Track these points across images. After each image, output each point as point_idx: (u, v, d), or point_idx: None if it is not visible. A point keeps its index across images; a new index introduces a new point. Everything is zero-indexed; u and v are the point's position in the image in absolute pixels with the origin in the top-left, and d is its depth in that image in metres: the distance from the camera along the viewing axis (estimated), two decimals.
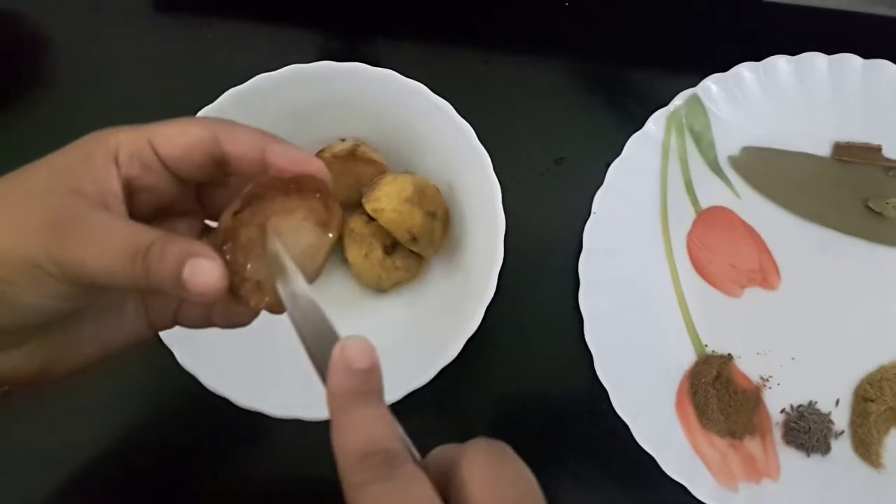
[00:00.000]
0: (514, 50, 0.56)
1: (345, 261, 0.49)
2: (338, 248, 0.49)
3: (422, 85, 0.45)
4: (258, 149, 0.28)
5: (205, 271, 0.25)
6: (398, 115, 0.47)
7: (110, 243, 0.25)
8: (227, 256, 0.27)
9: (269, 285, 0.28)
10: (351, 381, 0.23)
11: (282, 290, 0.27)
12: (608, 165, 0.51)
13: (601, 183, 0.51)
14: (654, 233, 0.51)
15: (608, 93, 0.55)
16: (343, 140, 0.49)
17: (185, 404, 0.49)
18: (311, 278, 0.28)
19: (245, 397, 0.42)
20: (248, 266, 0.27)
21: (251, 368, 0.44)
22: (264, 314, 0.29)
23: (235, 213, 0.27)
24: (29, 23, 0.59)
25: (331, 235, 0.28)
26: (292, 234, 0.28)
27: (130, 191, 0.28)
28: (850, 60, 0.52)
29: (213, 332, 0.44)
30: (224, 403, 0.42)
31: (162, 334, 0.42)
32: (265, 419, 0.42)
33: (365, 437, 0.23)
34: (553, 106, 0.55)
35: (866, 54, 0.52)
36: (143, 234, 0.26)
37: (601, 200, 0.50)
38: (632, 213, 0.51)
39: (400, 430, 0.24)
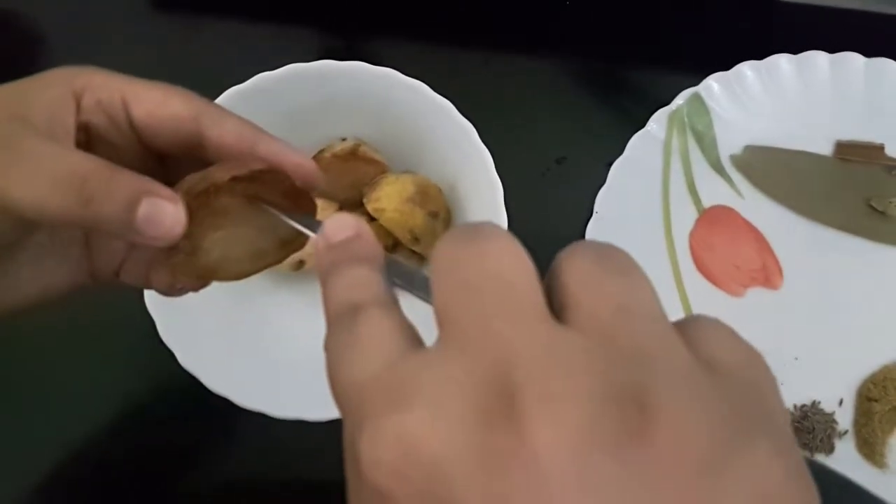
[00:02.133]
0: (515, 49, 0.56)
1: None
2: None
3: (423, 84, 0.45)
4: (247, 142, 0.26)
5: (166, 213, 0.23)
6: (399, 115, 0.47)
7: (42, 170, 0.23)
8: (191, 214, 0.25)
9: (202, 258, 0.27)
10: (329, 256, 0.21)
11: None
12: (610, 165, 0.51)
13: (603, 182, 0.51)
14: (657, 232, 0.51)
15: (610, 92, 0.55)
16: (344, 140, 0.48)
17: (186, 404, 0.48)
18: (236, 277, 0.28)
19: (246, 397, 0.42)
20: (200, 230, 0.26)
21: (252, 369, 0.44)
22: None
23: (234, 178, 0.25)
24: (23, 21, 0.58)
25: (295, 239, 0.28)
26: (259, 232, 0.27)
27: (89, 138, 0.26)
28: (853, 59, 0.52)
29: (215, 334, 0.44)
30: (225, 403, 0.42)
31: (164, 336, 0.42)
32: (266, 419, 0.42)
33: (334, 304, 0.19)
34: (555, 105, 0.55)
35: (869, 53, 0.52)
36: (83, 160, 0.23)
37: (603, 200, 0.50)
38: (634, 213, 0.51)
39: (398, 269, 0.21)
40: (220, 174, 0.25)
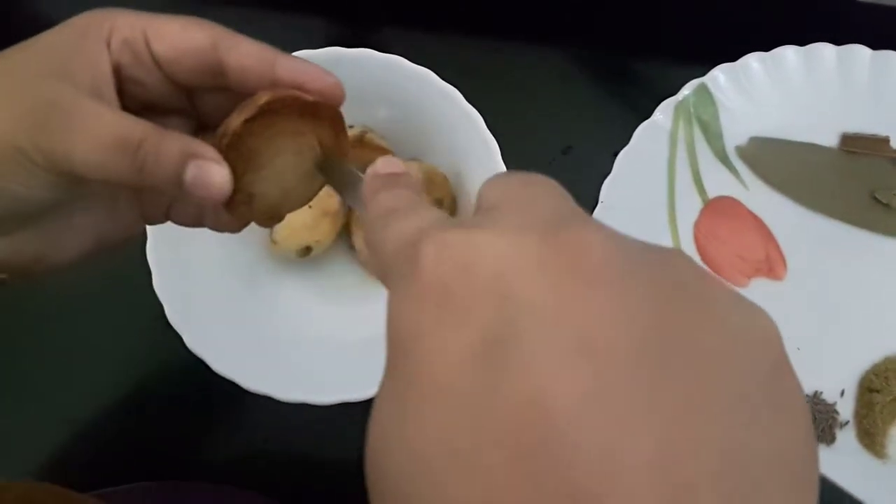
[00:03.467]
0: (523, 38, 0.56)
1: (351, 247, 0.49)
2: (344, 235, 0.50)
3: (430, 72, 0.45)
4: (266, 62, 0.26)
5: (212, 175, 0.24)
6: (406, 102, 0.47)
7: (98, 135, 0.24)
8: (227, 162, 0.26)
9: (260, 202, 0.27)
10: (376, 181, 0.23)
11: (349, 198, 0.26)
12: (616, 155, 0.51)
13: (608, 172, 0.51)
14: (662, 222, 0.51)
15: (616, 82, 0.55)
16: (351, 127, 0.49)
17: (192, 387, 0.49)
18: (303, 203, 0.28)
19: (252, 380, 0.42)
20: (245, 177, 0.26)
21: (259, 353, 0.44)
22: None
23: (247, 121, 0.25)
24: (30, 5, 0.58)
25: (332, 155, 0.28)
26: (298, 156, 0.27)
27: (119, 79, 0.26)
28: (859, 51, 0.52)
29: (222, 318, 0.45)
30: (232, 386, 0.42)
31: (172, 319, 0.42)
32: (272, 402, 0.42)
33: (378, 208, 0.21)
34: (561, 95, 0.55)
35: (875, 45, 0.52)
36: (135, 126, 0.24)
37: (609, 189, 0.50)
38: (639, 203, 0.51)
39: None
40: (234, 122, 0.26)
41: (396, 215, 0.19)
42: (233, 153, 0.26)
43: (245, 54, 0.26)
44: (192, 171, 0.24)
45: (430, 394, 0.15)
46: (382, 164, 0.23)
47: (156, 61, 0.26)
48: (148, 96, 0.27)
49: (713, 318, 0.16)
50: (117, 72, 0.26)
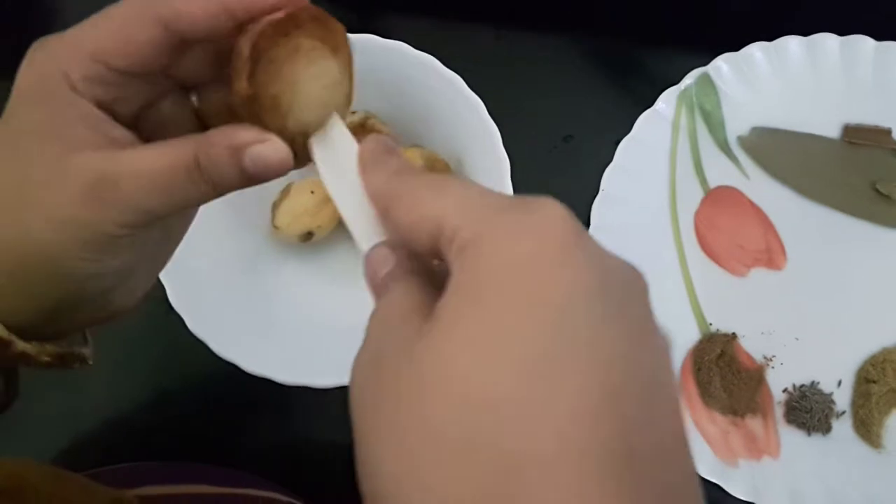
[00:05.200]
0: (526, 26, 0.56)
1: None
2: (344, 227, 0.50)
3: (433, 58, 0.45)
4: (214, 3, 0.24)
5: (267, 156, 0.24)
6: (408, 89, 0.47)
7: (158, 180, 0.24)
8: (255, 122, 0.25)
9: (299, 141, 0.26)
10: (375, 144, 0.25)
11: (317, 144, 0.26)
12: (617, 143, 0.51)
13: (610, 161, 0.51)
14: (662, 211, 0.51)
15: (619, 71, 0.55)
16: (353, 112, 0.49)
17: (194, 369, 0.49)
18: (347, 105, 0.27)
19: (254, 364, 0.42)
20: (277, 125, 0.25)
21: (261, 335, 0.45)
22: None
23: (250, 79, 0.24)
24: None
25: (347, 54, 0.26)
26: (309, 73, 0.25)
27: (105, 108, 0.25)
28: (863, 42, 0.52)
29: (224, 301, 0.45)
30: (233, 369, 0.42)
31: (174, 302, 0.43)
32: (273, 385, 0.43)
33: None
34: (564, 83, 0.55)
35: (879, 36, 0.52)
36: (179, 151, 0.24)
37: (610, 178, 0.50)
38: (640, 191, 0.51)
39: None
40: (241, 87, 0.24)
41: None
42: (258, 111, 0.25)
43: (191, 7, 0.24)
44: (249, 164, 0.24)
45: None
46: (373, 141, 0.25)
47: (122, 74, 0.24)
48: (136, 102, 0.26)
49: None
50: (101, 105, 0.25)
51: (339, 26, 0.26)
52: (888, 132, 0.52)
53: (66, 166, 0.24)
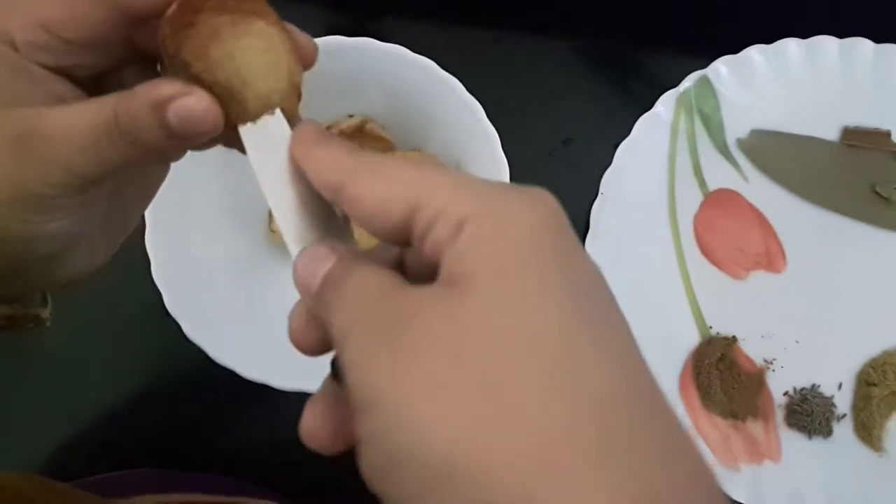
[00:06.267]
0: (525, 29, 0.56)
1: (350, 236, 0.49)
2: None
3: (431, 61, 0.45)
4: None
5: (192, 109, 0.22)
6: (407, 92, 0.47)
7: (74, 134, 0.22)
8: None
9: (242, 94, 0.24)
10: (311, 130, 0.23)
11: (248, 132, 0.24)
12: (617, 146, 0.51)
13: (609, 164, 0.51)
14: (662, 214, 0.51)
15: (618, 74, 0.55)
16: (351, 116, 0.49)
17: (191, 375, 0.49)
18: (292, 90, 0.24)
19: (251, 369, 0.42)
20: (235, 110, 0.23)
21: (257, 341, 0.44)
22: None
23: (172, 58, 0.23)
24: None
25: (277, 29, 0.24)
26: (242, 50, 0.23)
27: (55, 72, 0.24)
28: (862, 44, 0.52)
29: (220, 307, 0.45)
30: (230, 375, 0.42)
31: (171, 308, 0.42)
32: (270, 391, 0.42)
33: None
34: (563, 85, 0.55)
35: (878, 39, 0.52)
36: (101, 106, 0.22)
37: (609, 181, 0.50)
38: (639, 194, 0.51)
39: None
40: (169, 45, 0.23)
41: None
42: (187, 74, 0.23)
43: None
44: (172, 119, 0.22)
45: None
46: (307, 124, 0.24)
47: (74, 44, 0.23)
48: (94, 68, 0.24)
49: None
50: (51, 70, 0.24)
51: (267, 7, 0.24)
52: (887, 134, 0.52)
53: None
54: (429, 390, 0.18)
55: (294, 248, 0.23)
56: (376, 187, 0.21)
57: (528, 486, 0.16)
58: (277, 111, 0.24)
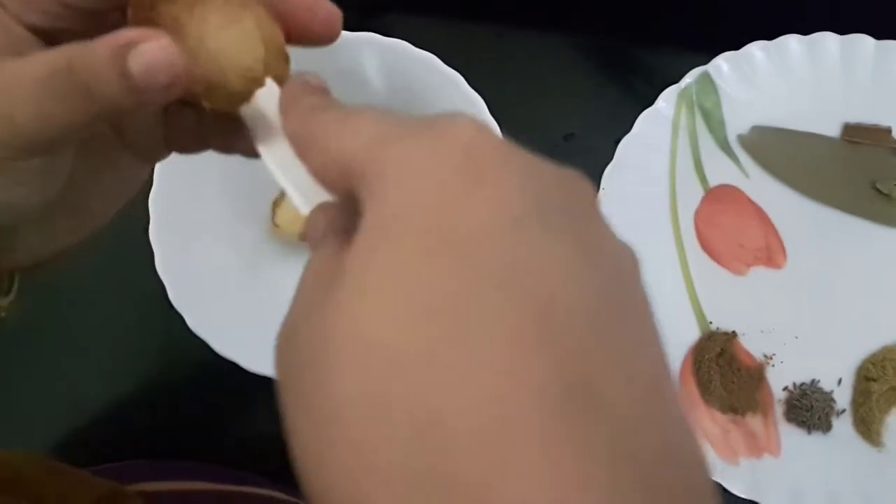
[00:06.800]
0: (527, 24, 0.56)
1: None
2: None
3: (434, 56, 0.45)
4: None
5: (154, 52, 0.19)
6: (409, 87, 0.47)
7: (24, 84, 0.20)
8: None
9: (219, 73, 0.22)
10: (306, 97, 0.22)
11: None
12: (618, 142, 0.51)
13: (610, 159, 0.51)
14: (662, 210, 0.51)
15: (619, 69, 0.55)
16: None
17: (194, 368, 0.49)
18: (272, 61, 0.23)
19: (254, 362, 0.42)
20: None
21: (261, 334, 0.44)
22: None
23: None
24: None
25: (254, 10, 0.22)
26: (208, 35, 0.22)
27: (43, 36, 0.22)
28: (863, 41, 0.52)
29: (223, 300, 0.45)
30: (233, 367, 0.42)
31: (174, 300, 0.43)
32: (273, 383, 0.42)
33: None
34: (564, 81, 0.55)
35: (879, 35, 0.52)
36: (54, 54, 0.20)
37: (610, 177, 0.50)
38: (640, 190, 0.51)
39: None
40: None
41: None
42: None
43: None
44: (135, 65, 0.19)
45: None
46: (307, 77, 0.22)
47: (69, 9, 0.22)
48: (87, 34, 0.22)
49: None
50: (39, 33, 0.22)
51: None
52: (888, 131, 0.52)
53: None
54: (304, 416, 0.17)
55: (304, 212, 0.22)
56: (317, 156, 0.20)
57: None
58: (268, 81, 0.22)
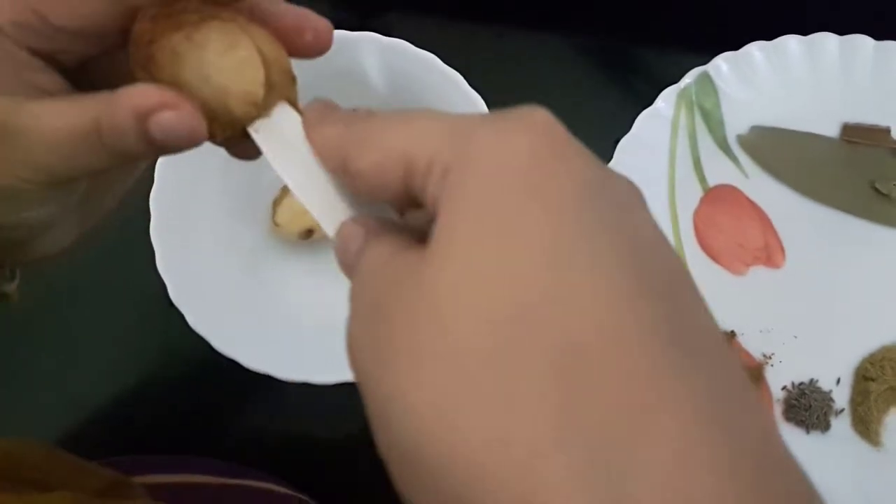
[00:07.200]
0: (526, 24, 0.56)
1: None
2: None
3: (434, 56, 0.45)
4: None
5: (176, 127, 0.21)
6: (409, 87, 0.47)
7: (55, 140, 0.21)
8: None
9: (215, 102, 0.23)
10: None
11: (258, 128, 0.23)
12: (617, 142, 0.51)
13: (609, 159, 0.51)
14: (662, 209, 0.52)
15: (619, 70, 0.56)
16: (354, 111, 0.49)
17: (195, 365, 0.49)
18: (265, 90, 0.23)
19: (254, 360, 0.42)
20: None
21: (261, 332, 0.45)
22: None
23: (153, 20, 0.22)
24: None
25: (237, 24, 0.22)
26: (209, 63, 0.22)
27: (39, 55, 0.23)
28: (862, 41, 0.52)
29: (224, 298, 0.45)
30: (233, 365, 0.42)
31: (175, 299, 0.43)
32: (273, 381, 0.43)
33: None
34: (563, 81, 0.55)
35: (878, 36, 0.52)
36: (82, 110, 0.21)
37: None
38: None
39: None
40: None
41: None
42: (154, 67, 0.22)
43: None
44: (157, 133, 0.21)
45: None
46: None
47: (66, 31, 0.22)
48: (83, 54, 0.23)
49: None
50: (36, 53, 0.23)
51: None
52: (887, 131, 0.52)
53: None
54: (400, 372, 0.17)
55: (329, 229, 0.23)
56: (371, 158, 0.20)
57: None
58: (283, 103, 0.23)
